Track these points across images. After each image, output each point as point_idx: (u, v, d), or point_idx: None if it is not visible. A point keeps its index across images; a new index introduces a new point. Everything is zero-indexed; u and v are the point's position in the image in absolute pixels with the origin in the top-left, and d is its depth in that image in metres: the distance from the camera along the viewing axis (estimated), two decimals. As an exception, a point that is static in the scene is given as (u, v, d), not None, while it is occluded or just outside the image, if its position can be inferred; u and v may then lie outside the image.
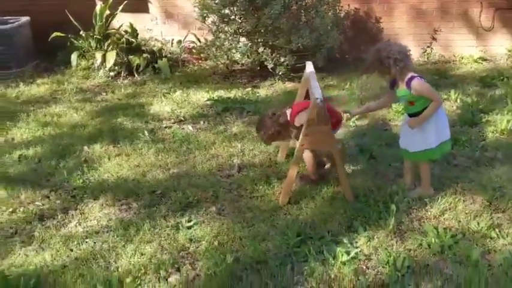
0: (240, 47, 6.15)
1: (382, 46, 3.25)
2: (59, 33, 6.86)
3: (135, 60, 6.62)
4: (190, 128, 4.82)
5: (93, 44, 6.90)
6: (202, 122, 4.97)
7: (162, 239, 3.05)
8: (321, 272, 2.74)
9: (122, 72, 6.63)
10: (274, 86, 6.13)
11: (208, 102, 5.48)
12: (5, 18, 7.07)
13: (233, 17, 6.12)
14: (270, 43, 6.14)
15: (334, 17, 6.36)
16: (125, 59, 6.68)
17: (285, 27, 5.97)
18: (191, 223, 3.21)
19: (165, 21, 7.56)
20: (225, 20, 6.12)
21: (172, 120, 5.00)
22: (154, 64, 6.66)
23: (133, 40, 6.74)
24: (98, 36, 6.85)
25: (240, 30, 6.14)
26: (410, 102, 3.26)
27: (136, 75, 6.57)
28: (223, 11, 6.08)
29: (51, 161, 4.08)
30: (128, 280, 2.61)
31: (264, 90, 5.97)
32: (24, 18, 7.01)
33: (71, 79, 6.53)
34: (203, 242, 3.02)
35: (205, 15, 6.25)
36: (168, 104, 5.46)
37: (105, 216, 3.33)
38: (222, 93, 5.77)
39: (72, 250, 2.97)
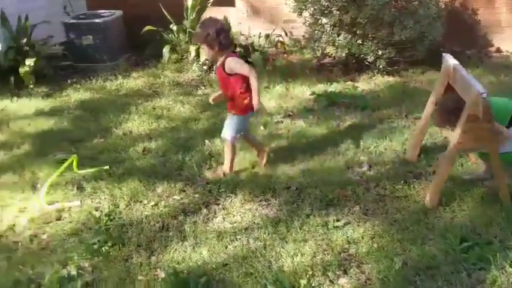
0: (339, 40, 5.93)
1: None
2: (151, 27, 6.88)
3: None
4: (302, 123, 4.67)
5: (182, 37, 6.87)
6: (311, 117, 4.81)
7: (318, 238, 2.91)
8: (504, 281, 2.51)
9: (214, 66, 6.56)
10: (374, 80, 5.88)
11: (311, 96, 5.31)
12: (98, 12, 7.15)
13: (332, 9, 5.91)
14: (370, 35, 5.90)
15: (436, 7, 6.04)
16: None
17: (388, 18, 5.71)
18: (340, 223, 3.05)
19: (251, 15, 7.44)
20: (325, 12, 5.91)
21: (281, 115, 4.86)
22: (247, 58, 6.54)
23: (226, 33, 6.63)
24: (190, 30, 6.80)
25: (339, 23, 5.93)
26: None
27: (228, 69, 6.47)
28: (322, 3, 5.88)
29: (177, 155, 4.01)
30: (303, 282, 2.47)
31: (364, 84, 5.73)
32: (118, 12, 7.05)
33: (164, 72, 6.51)
34: (361, 244, 2.85)
35: (302, 7, 6.07)
36: (272, 99, 5.32)
37: (248, 212, 3.22)
38: (322, 87, 5.59)
39: (226, 247, 2.87)
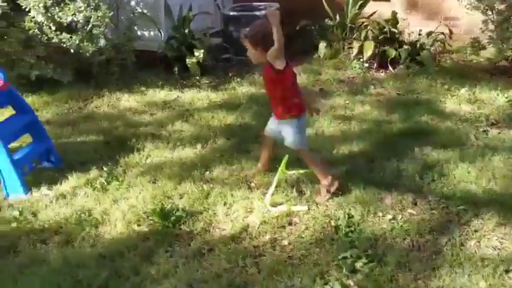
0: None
1: None
2: (306, 21, 6.65)
3: (392, 51, 6.09)
4: (512, 133, 4.16)
5: (339, 32, 6.54)
6: (520, 127, 4.28)
7: None
8: None
9: (375, 64, 6.17)
10: None
11: (508, 103, 4.76)
12: (254, 4, 7.00)
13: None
14: None
15: None
16: (378, 50, 6.20)
17: None
18: None
19: (407, 10, 6.94)
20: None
21: (484, 123, 4.36)
22: (414, 56, 6.08)
23: (394, 30, 6.20)
24: (351, 25, 6.46)
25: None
26: None
27: (390, 68, 6.05)
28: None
29: (389, 161, 3.68)
30: None
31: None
32: (274, 5, 6.85)
33: (322, 69, 6.23)
34: None
35: (491, 5, 5.48)
36: (463, 103, 4.83)
37: (507, 237, 2.81)
38: (512, 93, 5.01)
39: (504, 279, 2.49)
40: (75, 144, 4.22)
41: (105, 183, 3.50)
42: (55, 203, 3.29)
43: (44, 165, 3.78)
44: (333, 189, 3.21)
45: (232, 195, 3.32)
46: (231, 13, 6.70)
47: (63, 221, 3.10)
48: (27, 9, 4.95)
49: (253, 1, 7.14)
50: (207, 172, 3.66)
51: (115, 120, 4.75)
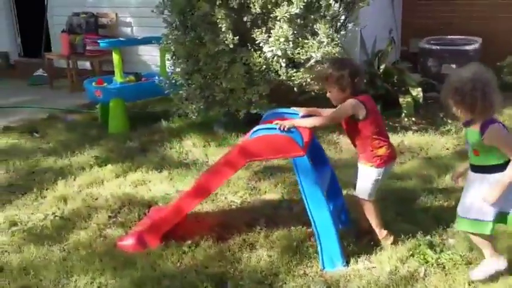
0: None
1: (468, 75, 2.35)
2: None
3: None
4: None
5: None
6: None
7: None
8: None
9: None
10: None
11: None
12: (451, 37, 6.35)
13: None
14: None
15: None
16: None
17: None
18: None
19: None
20: None
21: None
22: None
23: None
24: None
25: None
26: (475, 150, 2.44)
27: None
28: None
29: None
30: None
31: None
32: (479, 39, 6.15)
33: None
34: None
35: None
36: None
37: None
38: None
39: None
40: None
41: (436, 257, 2.82)
42: (399, 282, 2.64)
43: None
44: (388, 242, 2.93)
45: None
46: (433, 47, 6.04)
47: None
48: (260, 44, 4.52)
49: (437, 34, 6.47)
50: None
51: (351, 167, 4.14)
